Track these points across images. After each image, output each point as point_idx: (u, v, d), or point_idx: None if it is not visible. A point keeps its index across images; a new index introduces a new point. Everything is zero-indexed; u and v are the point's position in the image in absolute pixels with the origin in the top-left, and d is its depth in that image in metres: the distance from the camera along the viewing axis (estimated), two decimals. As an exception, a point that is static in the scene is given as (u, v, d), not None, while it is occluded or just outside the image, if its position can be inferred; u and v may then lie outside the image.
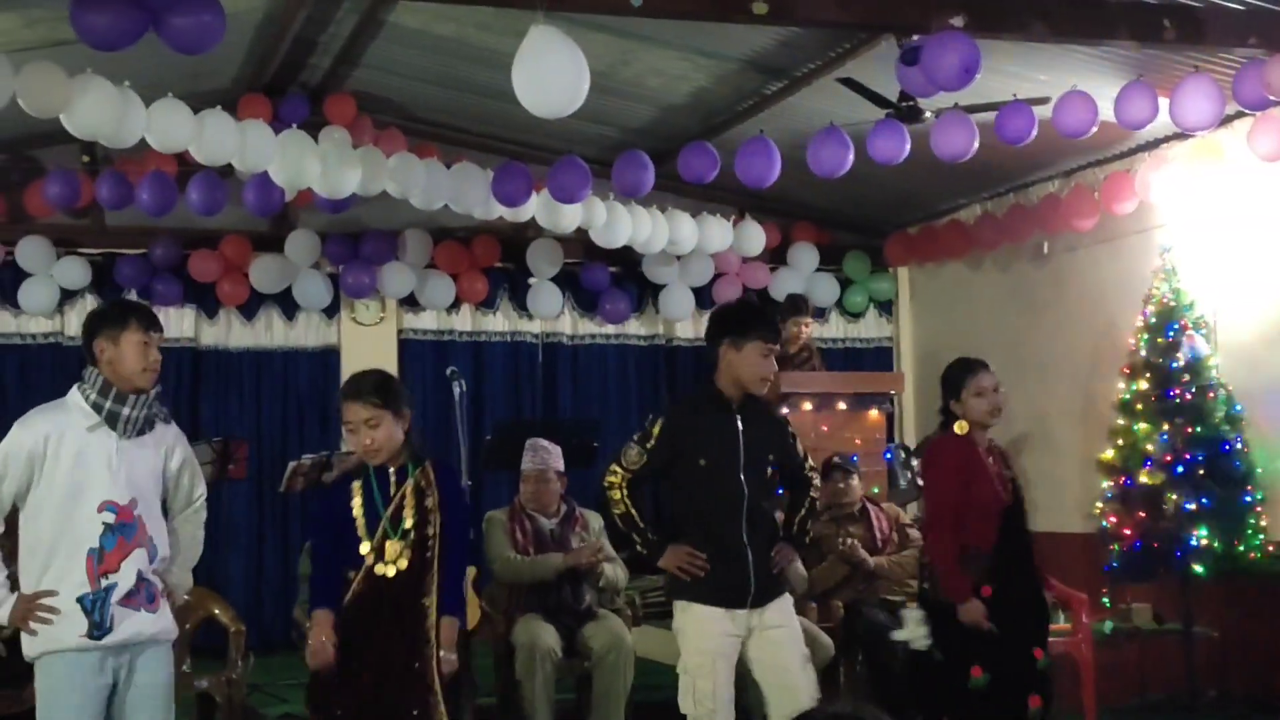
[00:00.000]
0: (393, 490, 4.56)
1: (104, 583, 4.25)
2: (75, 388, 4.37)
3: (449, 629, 4.58)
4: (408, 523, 4.53)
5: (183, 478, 4.57)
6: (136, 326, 4.34)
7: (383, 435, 4.55)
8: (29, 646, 4.32)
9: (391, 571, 4.51)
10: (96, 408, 4.30)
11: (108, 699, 4.32)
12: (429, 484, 4.59)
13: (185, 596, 4.70)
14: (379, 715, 4.49)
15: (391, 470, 4.58)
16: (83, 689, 4.25)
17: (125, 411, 4.31)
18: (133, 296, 9.51)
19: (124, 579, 4.28)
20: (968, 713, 5.37)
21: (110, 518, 4.27)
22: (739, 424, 4.97)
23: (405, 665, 4.50)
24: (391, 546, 4.51)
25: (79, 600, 4.24)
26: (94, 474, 4.28)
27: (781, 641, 4.97)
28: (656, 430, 5.01)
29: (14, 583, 4.31)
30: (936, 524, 5.50)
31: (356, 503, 4.56)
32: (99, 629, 4.25)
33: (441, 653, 4.55)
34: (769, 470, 5.05)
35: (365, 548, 4.51)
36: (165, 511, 4.54)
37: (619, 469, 5.04)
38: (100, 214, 9.59)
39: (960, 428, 5.47)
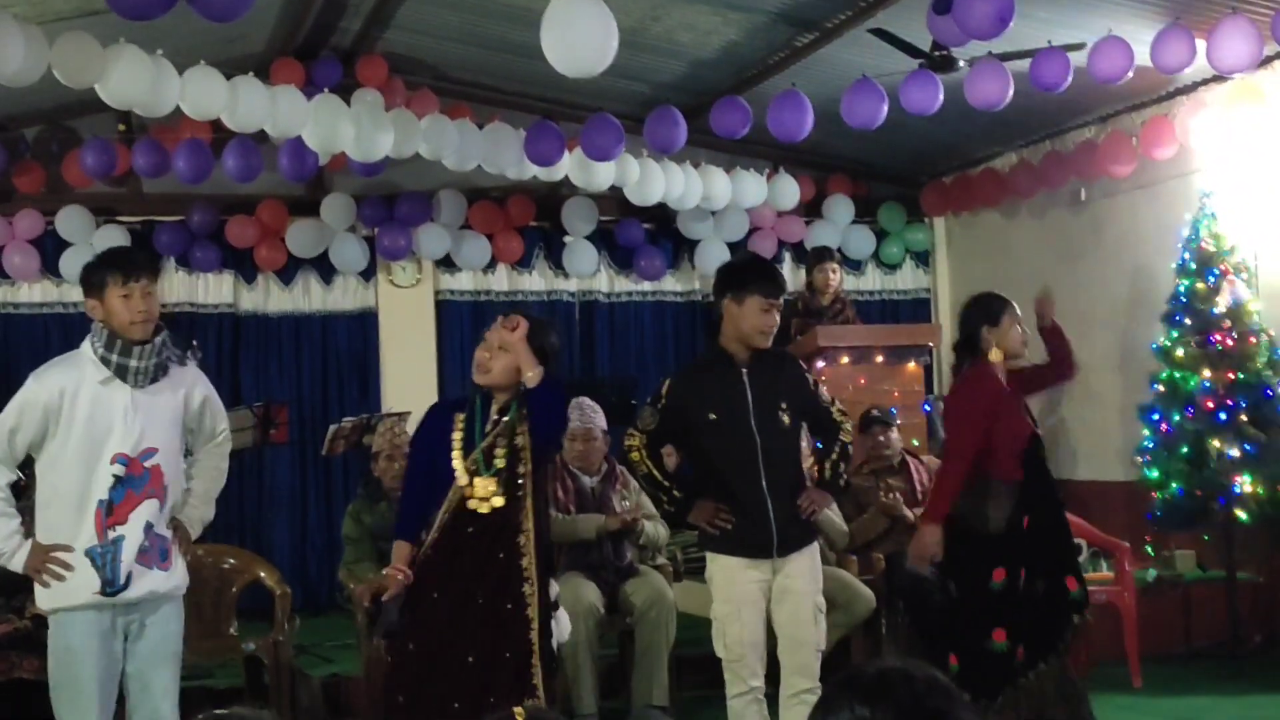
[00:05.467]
0: (489, 426, 4.65)
1: (111, 535, 4.25)
2: (87, 339, 4.35)
3: None
4: (500, 462, 4.59)
5: (205, 418, 4.54)
6: (115, 282, 4.28)
7: (505, 363, 4.62)
8: (43, 600, 4.33)
9: (485, 509, 4.57)
10: (105, 361, 4.28)
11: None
12: (521, 420, 4.65)
13: (201, 528, 4.59)
14: (462, 651, 4.49)
15: (495, 406, 4.67)
16: (98, 649, 4.26)
17: (133, 364, 4.29)
18: (171, 263, 9.62)
19: (131, 531, 4.27)
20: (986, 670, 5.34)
21: (120, 470, 4.27)
22: (745, 377, 5.07)
23: (495, 604, 4.51)
24: (481, 483, 4.57)
25: (88, 553, 4.24)
26: (110, 427, 4.27)
27: (798, 594, 5.08)
28: (665, 390, 5.16)
29: (26, 533, 4.32)
30: (958, 456, 5.41)
31: (458, 434, 4.65)
32: (111, 585, 4.25)
33: None
34: (784, 419, 5.10)
35: (460, 470, 4.57)
36: (187, 452, 4.54)
37: (636, 431, 5.18)
38: (138, 182, 9.65)
39: (995, 355, 5.45)
